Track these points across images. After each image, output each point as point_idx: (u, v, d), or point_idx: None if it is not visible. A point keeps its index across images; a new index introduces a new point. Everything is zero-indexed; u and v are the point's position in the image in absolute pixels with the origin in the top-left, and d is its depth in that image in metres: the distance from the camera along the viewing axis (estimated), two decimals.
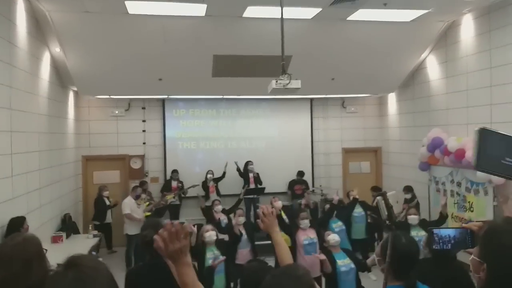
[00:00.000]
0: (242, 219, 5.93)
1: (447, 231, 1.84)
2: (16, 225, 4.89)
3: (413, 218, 5.67)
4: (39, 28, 6.43)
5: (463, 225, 1.80)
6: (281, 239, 2.35)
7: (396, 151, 9.77)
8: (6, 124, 5.12)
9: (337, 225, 6.53)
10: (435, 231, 1.84)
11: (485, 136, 1.18)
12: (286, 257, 2.28)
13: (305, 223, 5.34)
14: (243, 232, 5.68)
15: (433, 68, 8.14)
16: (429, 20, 7.05)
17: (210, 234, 4.73)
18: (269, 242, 6.45)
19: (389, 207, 2.12)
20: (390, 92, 9.70)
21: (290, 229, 5.42)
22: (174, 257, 1.50)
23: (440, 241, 1.82)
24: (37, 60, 6.39)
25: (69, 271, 1.12)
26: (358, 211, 7.31)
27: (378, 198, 2.25)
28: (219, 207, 7.10)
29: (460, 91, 7.24)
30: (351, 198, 7.34)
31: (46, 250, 2.02)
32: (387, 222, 2.18)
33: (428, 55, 8.22)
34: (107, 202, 8.28)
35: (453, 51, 7.45)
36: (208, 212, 7.08)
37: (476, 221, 1.81)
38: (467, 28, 7.01)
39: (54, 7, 5.93)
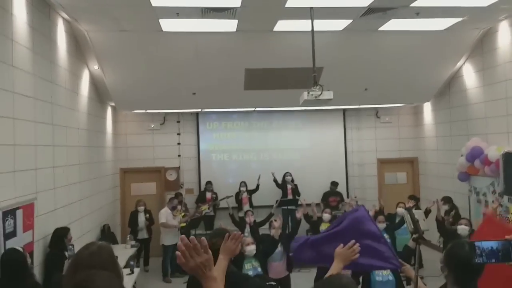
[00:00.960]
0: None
1: (489, 243, 1.78)
2: (60, 235, 5.11)
3: (462, 229, 5.47)
4: (78, 47, 6.76)
5: (507, 237, 1.74)
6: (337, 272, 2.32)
7: (433, 161, 9.51)
8: (49, 139, 5.39)
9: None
10: (477, 243, 1.77)
11: (510, 160, 1.12)
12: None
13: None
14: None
15: (469, 76, 7.92)
16: (464, 28, 6.89)
17: (251, 249, 4.71)
18: None
19: (414, 221, 2.10)
20: (426, 102, 9.49)
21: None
22: (197, 271, 1.46)
23: (483, 254, 1.75)
24: (76, 77, 6.71)
25: None
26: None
27: (404, 211, 2.23)
28: (251, 218, 7.11)
29: (499, 99, 7.00)
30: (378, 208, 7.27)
31: (117, 257, 2.09)
32: (414, 235, 2.16)
33: (464, 63, 8.02)
34: (143, 218, 8.25)
35: (490, 58, 7.23)
36: (240, 224, 7.12)
37: None
38: (504, 34, 6.80)
39: (92, 27, 6.23)
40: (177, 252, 1.44)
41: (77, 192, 6.46)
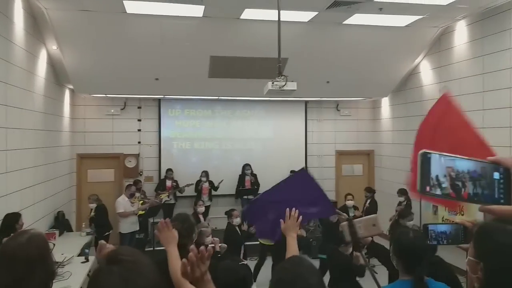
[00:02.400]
0: (238, 220, 6.02)
1: (442, 227, 1.90)
2: (11, 221, 4.89)
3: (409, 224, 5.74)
4: (37, 26, 6.46)
5: (457, 220, 1.86)
6: (294, 244, 2.39)
7: (388, 154, 9.87)
8: (2, 120, 5.14)
9: None
10: (431, 227, 1.89)
11: (426, 159, 1.14)
12: None
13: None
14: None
15: (426, 73, 8.26)
16: (424, 26, 7.16)
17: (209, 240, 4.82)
18: (257, 243, 6.56)
19: (353, 232, 2.24)
20: (384, 96, 9.81)
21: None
22: (198, 279, 1.49)
23: (436, 236, 1.87)
24: (33, 57, 6.41)
25: (113, 267, 1.12)
26: None
27: (343, 224, 2.32)
28: (201, 209, 7.25)
29: (453, 96, 7.33)
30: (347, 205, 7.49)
31: (54, 244, 1.99)
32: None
33: (421, 60, 8.34)
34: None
35: (446, 56, 7.56)
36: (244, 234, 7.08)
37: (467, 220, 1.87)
38: (461, 34, 7.13)
39: (51, 5, 5.96)
40: (184, 261, 1.46)
41: (31, 177, 6.21)
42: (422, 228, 1.98)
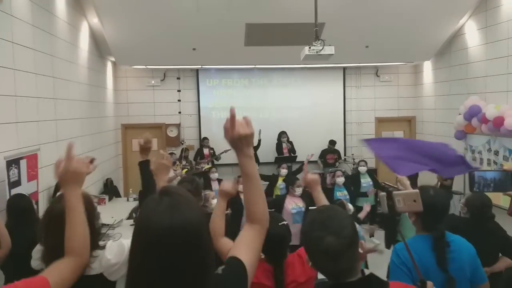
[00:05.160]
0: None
1: (489, 174, 1.88)
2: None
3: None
4: None
5: (504, 167, 1.83)
6: (323, 198, 2.43)
7: (431, 120, 9.59)
8: (50, 91, 5.42)
9: (342, 193, 6.66)
10: (477, 173, 1.87)
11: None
12: None
13: (299, 190, 5.42)
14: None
15: (472, 34, 7.85)
16: None
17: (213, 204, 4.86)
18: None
19: (389, 205, 2.17)
20: (426, 60, 9.44)
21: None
22: (236, 143, 1.45)
23: (482, 183, 1.86)
24: (76, 30, 6.65)
25: (164, 197, 1.21)
26: (366, 181, 7.42)
27: (382, 195, 2.27)
28: (215, 175, 7.38)
29: (500, 57, 6.98)
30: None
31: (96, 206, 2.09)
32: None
33: (467, 20, 7.92)
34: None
35: (493, 16, 7.14)
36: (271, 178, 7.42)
37: None
38: None
39: None
40: (231, 111, 1.44)
41: (80, 145, 6.55)
42: (468, 175, 1.95)
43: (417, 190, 2.23)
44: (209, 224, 1.30)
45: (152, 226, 1.16)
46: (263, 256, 2.31)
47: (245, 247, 1.42)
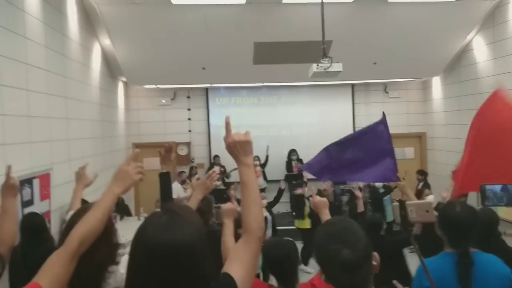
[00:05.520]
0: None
1: (499, 187, 1.85)
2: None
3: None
4: (89, 21, 6.82)
5: None
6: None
7: (441, 136, 9.52)
8: (62, 111, 5.51)
9: None
10: (488, 187, 1.84)
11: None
12: None
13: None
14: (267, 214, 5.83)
15: (480, 49, 7.86)
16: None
17: None
18: (291, 227, 6.70)
19: (402, 215, 2.14)
20: (435, 76, 9.44)
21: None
22: (232, 151, 1.52)
23: (495, 197, 1.82)
24: (88, 51, 6.79)
25: (165, 214, 1.27)
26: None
27: (394, 204, 2.24)
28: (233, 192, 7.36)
29: (509, 72, 6.95)
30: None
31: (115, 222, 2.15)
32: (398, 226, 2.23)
33: (474, 36, 7.94)
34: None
35: (501, 31, 7.15)
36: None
37: None
38: None
39: (103, 0, 6.27)
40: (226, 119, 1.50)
41: (92, 165, 6.56)
42: (480, 189, 1.93)
43: (430, 201, 2.23)
44: (209, 242, 1.30)
45: (145, 240, 1.22)
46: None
47: (236, 262, 1.39)
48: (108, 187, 1.72)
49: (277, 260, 2.34)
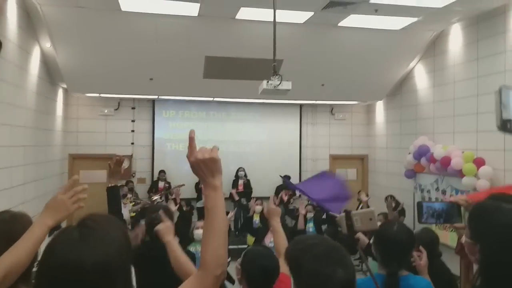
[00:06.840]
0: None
1: (437, 205, 1.84)
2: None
3: None
4: (30, 22, 6.38)
5: (451, 199, 1.81)
6: (280, 228, 2.61)
7: (382, 158, 9.86)
8: None
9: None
10: (425, 204, 1.83)
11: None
12: (283, 244, 2.48)
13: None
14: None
15: (421, 77, 8.27)
16: (418, 29, 7.18)
17: (199, 233, 4.70)
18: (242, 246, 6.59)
19: (349, 225, 2.16)
20: (378, 100, 9.82)
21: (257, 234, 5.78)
22: (197, 170, 1.29)
23: (431, 214, 1.81)
24: (26, 54, 6.34)
25: (77, 227, 1.10)
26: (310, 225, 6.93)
27: (340, 216, 2.25)
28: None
29: (447, 100, 7.36)
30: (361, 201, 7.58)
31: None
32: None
33: (416, 64, 8.36)
34: None
35: (441, 60, 7.58)
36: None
37: (461, 196, 1.83)
38: (456, 37, 7.15)
39: (45, 0, 5.90)
40: (191, 134, 1.29)
41: (21, 175, 6.11)
42: (416, 205, 1.92)
43: (372, 209, 2.25)
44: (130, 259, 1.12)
45: (49, 260, 1.04)
46: None
47: None
48: (40, 218, 1.54)
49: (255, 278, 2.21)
